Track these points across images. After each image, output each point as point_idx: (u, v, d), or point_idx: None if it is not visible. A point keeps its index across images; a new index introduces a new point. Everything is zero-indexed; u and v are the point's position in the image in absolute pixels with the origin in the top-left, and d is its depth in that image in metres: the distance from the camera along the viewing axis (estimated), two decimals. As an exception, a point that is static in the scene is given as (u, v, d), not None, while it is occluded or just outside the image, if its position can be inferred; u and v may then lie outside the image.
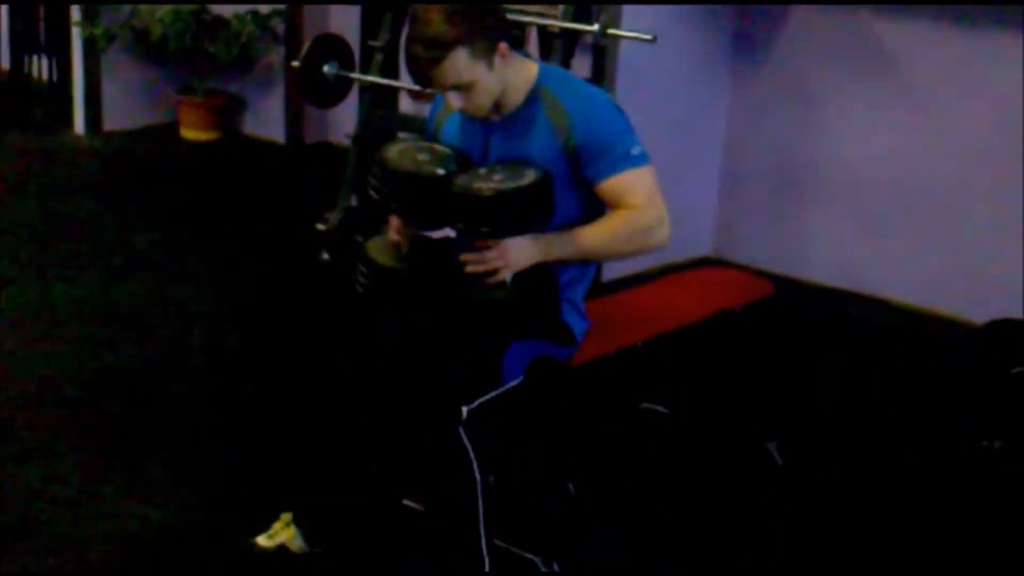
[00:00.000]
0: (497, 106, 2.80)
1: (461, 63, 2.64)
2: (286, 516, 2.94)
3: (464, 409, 2.69)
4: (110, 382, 3.87)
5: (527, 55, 2.89)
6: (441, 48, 2.62)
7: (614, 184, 2.77)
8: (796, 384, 3.94)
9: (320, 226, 4.93)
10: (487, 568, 2.77)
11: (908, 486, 3.39)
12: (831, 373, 4.07)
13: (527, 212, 2.70)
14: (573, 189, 2.80)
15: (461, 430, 2.69)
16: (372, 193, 2.83)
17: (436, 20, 2.62)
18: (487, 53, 2.67)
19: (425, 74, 2.68)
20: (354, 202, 4.94)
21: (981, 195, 4.46)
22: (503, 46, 2.71)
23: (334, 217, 4.93)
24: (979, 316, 4.09)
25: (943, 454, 3.54)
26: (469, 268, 2.71)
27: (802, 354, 4.16)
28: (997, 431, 3.53)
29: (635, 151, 2.78)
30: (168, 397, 3.81)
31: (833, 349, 4.25)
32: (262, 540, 2.93)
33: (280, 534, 2.92)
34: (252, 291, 4.73)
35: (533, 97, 2.80)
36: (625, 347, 3.05)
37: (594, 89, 2.93)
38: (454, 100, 2.74)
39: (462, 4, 2.64)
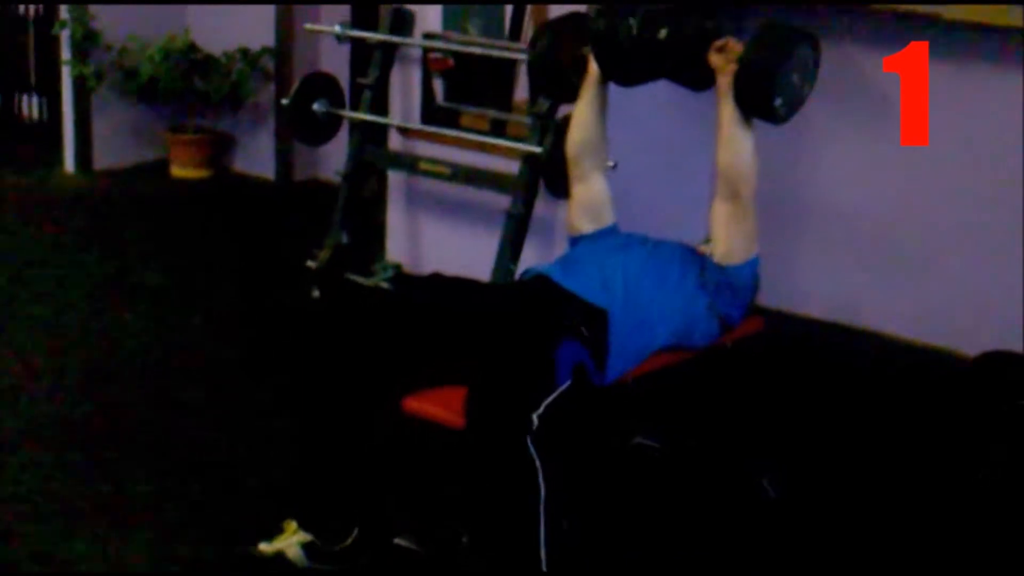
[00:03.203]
0: None
1: None
2: (291, 524, 2.95)
3: (535, 417, 2.62)
4: (107, 413, 3.88)
5: None
6: None
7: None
8: (788, 418, 3.93)
9: (310, 264, 4.92)
10: None
11: (903, 519, 3.37)
12: (823, 407, 4.05)
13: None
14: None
15: (528, 439, 2.61)
16: None
17: None
18: None
19: None
20: (344, 239, 4.93)
21: (971, 228, 4.45)
22: None
23: (324, 255, 4.92)
24: (971, 348, 4.07)
25: (938, 486, 3.53)
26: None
27: (793, 388, 4.15)
28: (993, 463, 3.51)
29: None
30: (167, 427, 3.81)
31: (824, 383, 4.24)
32: (263, 546, 2.94)
33: (280, 541, 2.94)
34: (243, 329, 4.71)
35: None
36: (616, 383, 3.03)
37: None
38: None
39: None
